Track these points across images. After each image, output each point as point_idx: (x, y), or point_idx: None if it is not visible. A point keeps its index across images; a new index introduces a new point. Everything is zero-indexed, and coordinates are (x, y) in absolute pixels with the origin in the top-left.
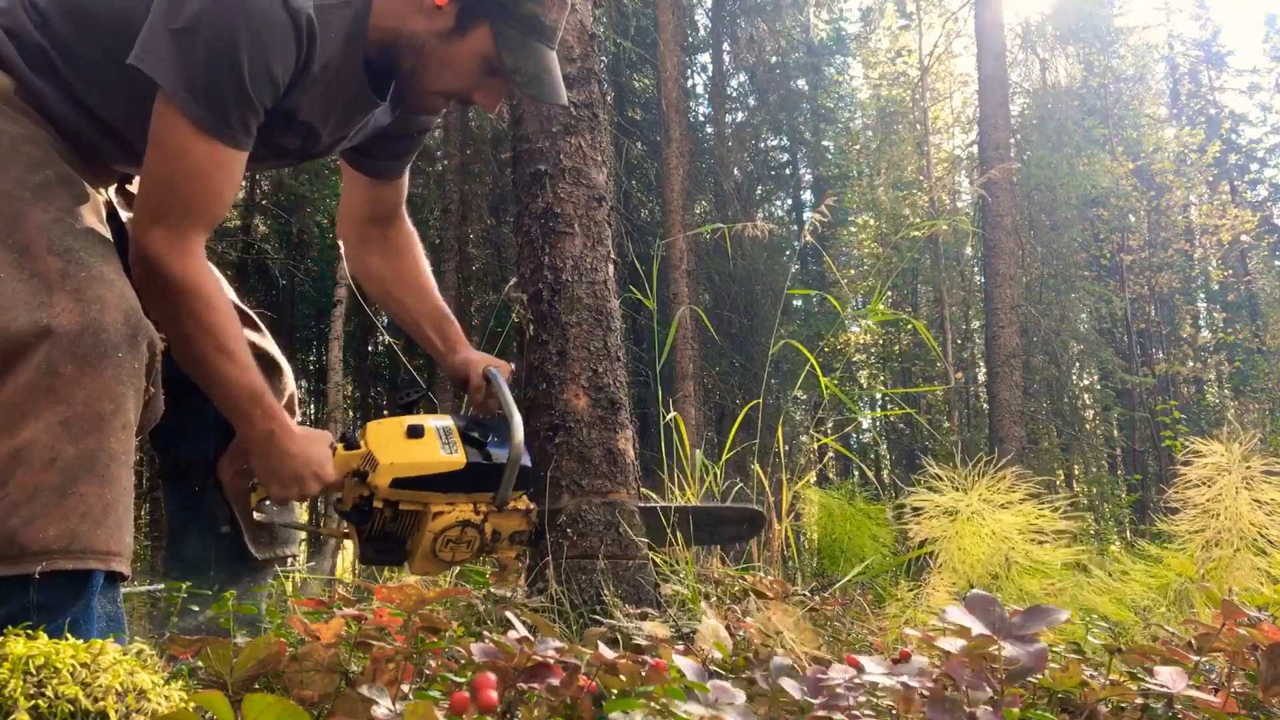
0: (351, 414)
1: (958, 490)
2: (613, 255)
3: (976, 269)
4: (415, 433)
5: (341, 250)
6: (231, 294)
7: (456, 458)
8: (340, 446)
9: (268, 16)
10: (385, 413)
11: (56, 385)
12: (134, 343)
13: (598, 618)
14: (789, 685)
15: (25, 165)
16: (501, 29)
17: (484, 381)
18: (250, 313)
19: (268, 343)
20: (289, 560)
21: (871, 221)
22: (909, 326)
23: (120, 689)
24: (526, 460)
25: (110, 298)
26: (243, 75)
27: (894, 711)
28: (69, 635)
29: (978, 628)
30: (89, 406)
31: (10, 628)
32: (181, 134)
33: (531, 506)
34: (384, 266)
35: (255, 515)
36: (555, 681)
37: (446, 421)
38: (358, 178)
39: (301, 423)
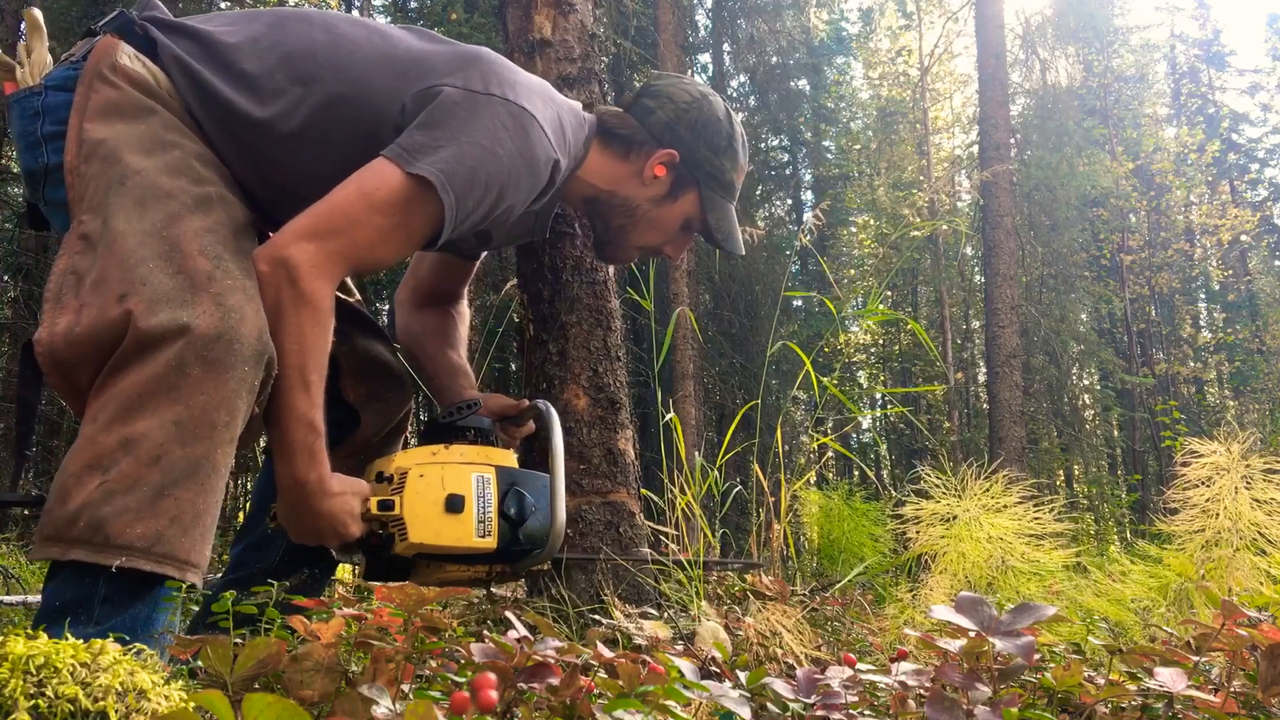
0: None
1: (954, 496)
2: None
3: (976, 269)
4: (454, 506)
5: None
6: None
7: (488, 542)
8: (374, 501)
9: (537, 169)
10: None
11: (180, 385)
12: (260, 359)
13: (598, 618)
14: (779, 687)
15: (193, 177)
16: (709, 195)
17: (526, 413)
18: (380, 327)
19: (395, 360)
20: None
21: (871, 222)
22: (909, 326)
23: (120, 689)
24: (559, 544)
25: (249, 311)
26: (492, 198)
27: (891, 711)
28: (128, 634)
29: (966, 625)
30: (205, 413)
31: (20, 628)
32: (394, 184)
33: (545, 567)
34: (431, 322)
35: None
36: (555, 681)
37: (489, 474)
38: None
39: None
